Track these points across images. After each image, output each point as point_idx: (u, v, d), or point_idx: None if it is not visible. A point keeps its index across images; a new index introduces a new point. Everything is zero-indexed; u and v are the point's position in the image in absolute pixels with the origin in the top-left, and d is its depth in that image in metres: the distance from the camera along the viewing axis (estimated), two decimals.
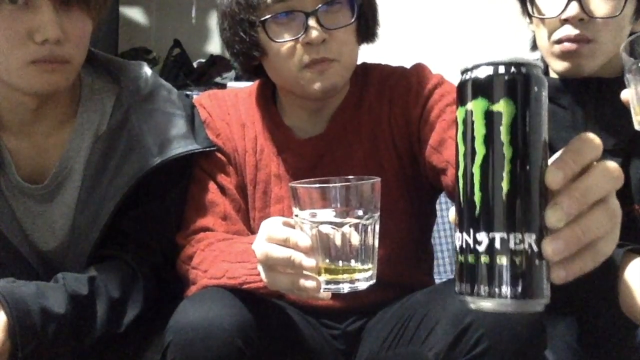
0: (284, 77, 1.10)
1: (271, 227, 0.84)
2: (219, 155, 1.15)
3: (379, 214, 0.82)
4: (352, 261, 0.80)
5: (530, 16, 1.17)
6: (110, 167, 1.07)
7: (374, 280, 0.82)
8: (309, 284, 0.80)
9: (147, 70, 1.16)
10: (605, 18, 1.08)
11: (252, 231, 1.12)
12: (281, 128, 1.17)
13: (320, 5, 1.03)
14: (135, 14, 2.85)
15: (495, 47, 2.34)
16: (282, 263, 0.82)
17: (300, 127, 1.17)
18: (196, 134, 1.12)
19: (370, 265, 0.81)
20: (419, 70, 1.16)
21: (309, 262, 0.79)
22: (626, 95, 0.88)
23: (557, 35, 1.12)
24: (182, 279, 1.07)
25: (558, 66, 1.14)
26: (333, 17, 1.05)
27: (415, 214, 1.15)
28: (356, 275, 0.80)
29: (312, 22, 1.03)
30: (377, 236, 0.82)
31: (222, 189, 1.13)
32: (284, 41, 1.05)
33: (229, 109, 1.19)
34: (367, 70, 1.19)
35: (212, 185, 1.13)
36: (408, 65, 1.20)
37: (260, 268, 0.87)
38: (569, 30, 1.10)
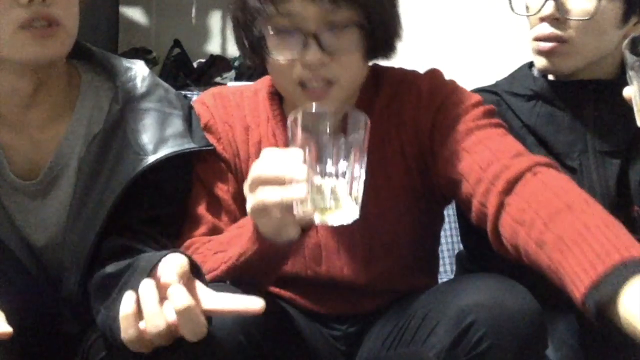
0: (281, 89, 1.08)
1: (266, 150, 0.87)
2: (217, 162, 1.12)
3: (365, 153, 0.85)
4: (339, 182, 0.83)
5: (515, 12, 1.20)
6: (106, 166, 1.06)
7: (358, 217, 0.84)
8: (297, 192, 0.81)
9: (144, 69, 1.15)
10: (580, 19, 1.11)
11: None
12: (287, 130, 1.14)
13: (324, 29, 0.97)
14: (135, 14, 2.85)
15: (503, 49, 2.34)
16: (274, 180, 0.83)
17: None
18: (193, 133, 1.11)
19: (356, 195, 0.84)
20: (431, 77, 1.10)
21: (302, 173, 0.81)
22: (629, 92, 0.88)
23: (533, 33, 1.16)
24: None
25: (538, 63, 1.18)
26: (337, 41, 0.98)
27: (423, 224, 1.13)
28: (342, 204, 0.83)
29: (312, 43, 0.97)
30: (363, 175, 0.84)
31: (217, 200, 1.11)
32: (280, 58, 1.00)
33: (233, 110, 1.15)
34: (377, 75, 1.13)
35: (203, 197, 1.11)
36: (419, 68, 1.15)
37: (249, 204, 0.87)
38: (544, 29, 1.14)
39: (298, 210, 0.83)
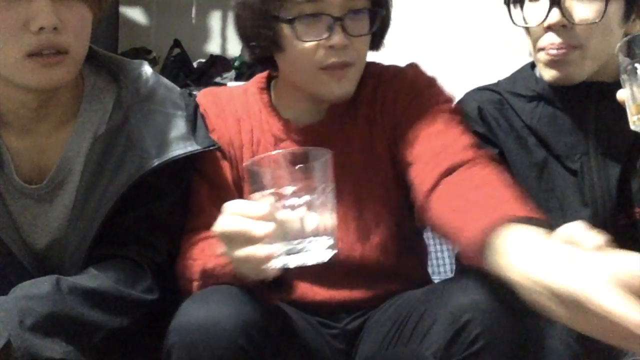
0: (299, 75, 1.13)
1: (230, 203, 0.87)
2: (216, 153, 1.15)
3: (333, 186, 0.86)
4: (310, 239, 0.83)
5: (516, 24, 1.17)
6: (109, 168, 1.06)
7: (336, 250, 0.85)
8: (262, 251, 0.82)
9: (147, 69, 1.15)
10: (588, 24, 1.08)
11: None
12: (279, 121, 1.18)
13: (348, 12, 1.07)
14: (135, 14, 2.85)
15: (494, 51, 2.34)
16: (238, 236, 0.84)
17: (298, 119, 1.19)
18: (197, 133, 1.12)
19: (330, 238, 0.84)
20: (414, 68, 1.20)
21: (262, 230, 0.82)
22: (622, 95, 0.88)
23: (541, 44, 1.12)
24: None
25: (547, 74, 1.14)
26: (356, 25, 1.09)
27: (407, 201, 1.15)
28: (315, 248, 0.84)
29: (338, 27, 1.07)
30: (334, 209, 0.85)
31: (218, 188, 1.13)
32: (307, 41, 1.08)
33: (225, 106, 1.20)
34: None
35: (204, 188, 1.14)
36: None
37: (221, 245, 0.89)
38: (552, 38, 1.11)
39: (268, 264, 0.85)
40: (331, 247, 0.85)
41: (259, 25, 1.10)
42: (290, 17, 1.07)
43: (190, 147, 1.08)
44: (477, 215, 0.87)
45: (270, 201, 0.83)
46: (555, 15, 1.08)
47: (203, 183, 1.14)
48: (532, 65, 1.24)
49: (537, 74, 1.21)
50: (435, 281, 1.24)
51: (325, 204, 0.84)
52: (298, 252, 0.83)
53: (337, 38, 1.07)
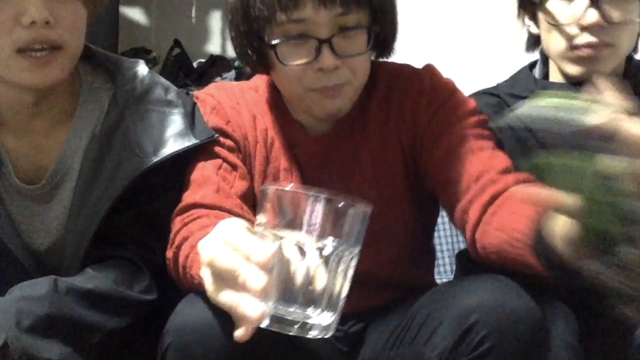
0: (290, 94, 1.09)
1: (228, 228, 0.77)
2: (228, 140, 1.11)
3: (359, 249, 0.71)
4: (310, 308, 0.68)
5: (535, 21, 1.17)
6: (106, 167, 1.06)
7: (331, 333, 0.72)
8: (249, 309, 0.71)
9: (143, 68, 1.15)
10: (629, 24, 1.10)
11: None
12: (291, 123, 1.14)
13: (338, 31, 0.99)
14: (135, 14, 2.85)
15: (495, 47, 2.34)
16: (227, 275, 0.74)
17: (308, 123, 1.14)
18: (195, 128, 1.10)
19: (332, 315, 0.69)
20: (431, 73, 1.13)
21: (256, 281, 0.70)
22: None
23: (576, 42, 1.12)
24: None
25: (573, 70, 1.15)
26: (348, 44, 1.01)
27: (420, 214, 1.15)
28: (311, 320, 0.69)
29: (325, 49, 0.99)
30: (349, 278, 0.71)
31: (233, 167, 1.09)
32: (294, 65, 1.01)
33: (238, 99, 1.16)
34: (372, 69, 1.13)
35: (211, 163, 1.08)
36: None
37: (205, 272, 0.79)
38: (589, 38, 1.11)
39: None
40: (328, 327, 0.70)
41: (244, 45, 1.05)
42: (273, 40, 1.00)
43: (188, 141, 1.07)
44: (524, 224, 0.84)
45: (279, 241, 0.69)
46: (593, 16, 1.09)
47: (212, 159, 1.08)
48: (531, 67, 1.25)
49: (536, 75, 1.22)
50: (437, 281, 1.24)
51: (343, 269, 0.68)
52: (289, 319, 0.68)
53: (325, 61, 0.99)
